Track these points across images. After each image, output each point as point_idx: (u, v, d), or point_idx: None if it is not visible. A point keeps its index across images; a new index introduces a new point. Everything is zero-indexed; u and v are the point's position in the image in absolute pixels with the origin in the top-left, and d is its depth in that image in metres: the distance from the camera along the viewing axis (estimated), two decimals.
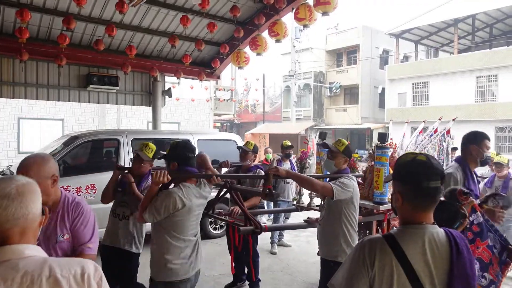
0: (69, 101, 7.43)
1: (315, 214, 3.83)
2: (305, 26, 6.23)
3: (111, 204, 3.39)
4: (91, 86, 7.26)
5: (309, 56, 27.69)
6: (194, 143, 6.07)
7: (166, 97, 8.55)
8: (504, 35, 24.35)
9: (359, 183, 4.49)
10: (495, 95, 20.57)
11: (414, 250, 1.28)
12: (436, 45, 27.07)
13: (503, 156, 5.75)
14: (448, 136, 5.17)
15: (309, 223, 3.70)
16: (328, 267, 2.92)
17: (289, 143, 5.97)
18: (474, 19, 22.76)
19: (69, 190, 4.88)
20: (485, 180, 5.38)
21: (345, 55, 28.60)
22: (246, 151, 4.37)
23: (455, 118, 6.01)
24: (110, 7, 5.89)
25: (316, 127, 27.32)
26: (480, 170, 6.81)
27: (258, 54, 7.41)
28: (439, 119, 5.46)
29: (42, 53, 6.43)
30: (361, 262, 1.31)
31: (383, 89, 26.24)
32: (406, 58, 28.04)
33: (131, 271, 3.31)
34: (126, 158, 5.28)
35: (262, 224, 3.38)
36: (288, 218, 6.51)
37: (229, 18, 6.61)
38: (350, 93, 28.48)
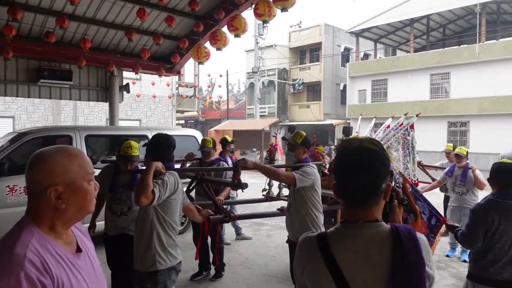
0: (17, 96, 7.01)
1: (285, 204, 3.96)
2: (264, 21, 6.24)
3: None
4: (41, 80, 6.89)
5: (273, 53, 27.87)
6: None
7: (125, 93, 8.30)
8: (456, 35, 25.70)
9: (325, 175, 4.71)
10: (448, 92, 21.70)
11: (345, 253, 1.10)
12: (394, 44, 28.12)
13: (463, 148, 6.12)
14: (412, 130, 5.37)
15: (282, 211, 3.86)
16: None
17: (230, 138, 5.86)
18: (429, 20, 23.85)
19: (16, 190, 4.62)
20: (446, 169, 5.73)
21: (308, 53, 29.06)
22: (208, 152, 4.71)
23: (419, 114, 6.29)
24: None
25: (280, 123, 27.60)
26: (440, 161, 7.22)
27: (218, 49, 7.35)
28: (405, 114, 5.65)
29: None
30: (296, 261, 1.23)
31: (345, 86, 26.94)
32: (366, 56, 28.92)
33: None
34: None
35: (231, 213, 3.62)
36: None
37: (188, 12, 6.50)
38: (313, 90, 28.99)
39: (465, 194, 5.28)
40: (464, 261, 5.17)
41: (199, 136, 6.62)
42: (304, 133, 3.46)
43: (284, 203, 4.04)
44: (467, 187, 5.27)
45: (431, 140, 20.15)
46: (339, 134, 25.30)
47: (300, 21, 29.03)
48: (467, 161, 5.53)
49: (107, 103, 8.19)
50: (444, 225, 3.25)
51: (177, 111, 18.28)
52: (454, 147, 6.42)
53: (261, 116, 27.47)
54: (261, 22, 22.23)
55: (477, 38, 20.37)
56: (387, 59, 26.05)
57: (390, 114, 6.70)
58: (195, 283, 4.51)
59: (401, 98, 23.18)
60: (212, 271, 4.71)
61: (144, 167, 2.72)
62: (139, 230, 2.68)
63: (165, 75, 8.65)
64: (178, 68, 8.59)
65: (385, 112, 22.95)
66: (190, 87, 18.14)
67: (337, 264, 1.09)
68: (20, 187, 4.63)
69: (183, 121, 37.03)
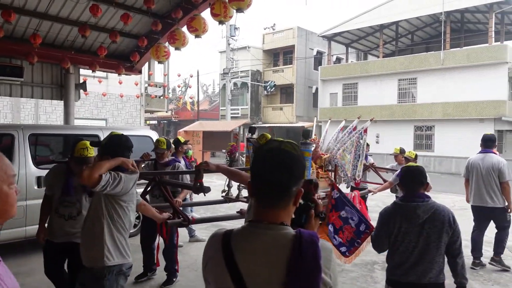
0: None
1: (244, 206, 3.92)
2: (220, 22, 6.21)
3: None
4: None
5: (247, 55, 27.91)
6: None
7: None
8: (423, 42, 26.53)
9: None
10: (414, 97, 22.35)
11: (244, 251, 1.13)
12: (365, 48, 28.74)
13: (412, 151, 6.27)
14: (365, 134, 5.56)
15: (241, 213, 3.81)
16: None
17: (183, 139, 5.81)
18: (398, 26, 24.52)
19: None
20: (397, 171, 5.92)
21: (281, 55, 29.28)
22: (162, 153, 4.59)
23: (373, 119, 6.50)
24: None
25: (254, 125, 27.63)
26: (390, 164, 7.45)
27: (177, 48, 7.27)
28: (358, 118, 5.79)
29: None
30: (204, 256, 1.24)
31: (317, 89, 27.28)
32: (338, 60, 29.42)
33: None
34: (21, 156, 4.86)
35: (189, 217, 3.50)
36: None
37: (145, 10, 6.38)
38: (286, 93, 29.23)
39: None
40: None
41: (154, 136, 6.51)
42: (269, 136, 3.45)
43: (244, 205, 3.99)
44: None
45: (398, 143, 20.42)
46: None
47: (274, 24, 29.24)
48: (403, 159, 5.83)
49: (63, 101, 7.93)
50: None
51: (146, 111, 17.98)
52: (402, 150, 6.66)
53: (234, 117, 27.43)
54: (234, 24, 22.14)
55: (442, 45, 21.10)
56: (357, 63, 26.59)
57: (361, 118, 6.89)
58: (139, 285, 4.41)
59: (370, 102, 23.70)
60: (158, 274, 4.61)
61: None
62: (89, 226, 2.57)
63: (126, 74, 8.48)
64: (139, 67, 8.44)
65: (355, 115, 23.37)
66: (159, 87, 17.87)
67: (235, 261, 1.11)
68: None
69: (155, 121, 36.51)
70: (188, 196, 5.76)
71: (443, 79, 20.90)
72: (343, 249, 3.63)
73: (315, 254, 1.09)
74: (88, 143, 3.25)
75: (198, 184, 2.90)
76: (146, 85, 17.57)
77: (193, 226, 6.19)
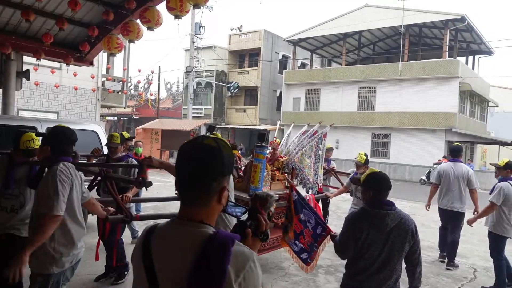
0: None
1: None
2: (176, 16, 5.96)
3: None
4: None
5: (213, 55, 27.63)
6: (42, 131, 5.38)
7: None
8: (384, 52, 27.50)
9: (239, 177, 4.64)
10: (373, 105, 23.06)
11: (159, 245, 1.13)
12: (329, 55, 29.37)
13: (362, 155, 6.33)
14: (324, 139, 5.60)
15: None
16: None
17: (127, 135, 5.53)
18: (360, 36, 25.24)
19: None
20: (350, 175, 6.04)
21: (247, 57, 29.25)
22: (115, 147, 4.43)
23: (332, 124, 6.59)
24: None
25: (216, 125, 27.38)
26: (351, 169, 7.55)
27: (131, 41, 6.96)
28: (319, 123, 5.82)
29: None
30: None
31: (281, 93, 27.49)
32: (303, 65, 29.84)
33: None
34: None
35: (133, 214, 3.47)
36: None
37: None
38: (250, 95, 29.22)
39: None
40: None
41: (100, 131, 6.17)
42: (219, 135, 3.37)
43: None
44: None
45: (357, 149, 21.20)
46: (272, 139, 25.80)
47: (241, 25, 29.18)
48: (366, 168, 5.80)
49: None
50: (329, 236, 3.24)
51: (102, 106, 17.21)
52: (367, 161, 6.59)
53: (197, 117, 27.02)
54: (200, 22, 21.81)
55: (401, 57, 21.93)
56: (320, 69, 27.08)
57: (322, 123, 6.98)
58: (98, 285, 4.21)
59: (332, 108, 24.20)
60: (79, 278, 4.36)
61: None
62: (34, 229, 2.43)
63: (75, 64, 8.02)
64: (90, 58, 8.00)
65: (317, 120, 23.75)
66: (118, 82, 17.19)
67: (151, 256, 1.13)
68: None
69: (115, 118, 35.26)
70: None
71: (400, 89, 21.74)
72: (304, 255, 3.50)
73: (221, 257, 1.05)
74: (33, 134, 3.09)
75: (141, 178, 2.89)
76: (104, 79, 16.84)
77: (137, 226, 5.92)
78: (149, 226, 1.21)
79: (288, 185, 4.33)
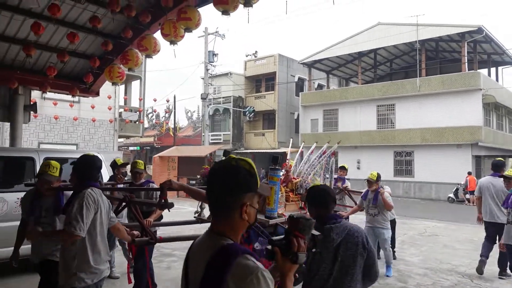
0: None
1: None
2: (172, 42, 6.04)
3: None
4: None
5: (229, 81, 28.05)
6: (39, 161, 5.43)
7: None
8: (401, 69, 27.05)
9: None
10: (393, 123, 22.46)
11: (192, 253, 1.34)
12: (345, 75, 29.18)
13: (373, 173, 6.06)
14: (333, 157, 5.55)
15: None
16: None
17: (121, 161, 5.62)
18: (376, 54, 24.99)
19: None
20: (362, 193, 6.10)
21: (263, 81, 29.49)
22: (140, 173, 4.81)
23: (339, 142, 6.52)
24: None
25: (235, 150, 27.41)
26: (358, 187, 7.33)
27: (130, 69, 7.11)
28: (328, 142, 5.79)
29: None
30: None
31: (299, 115, 27.35)
32: (320, 86, 29.73)
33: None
34: None
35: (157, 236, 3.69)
36: None
37: (92, 28, 6.18)
38: (268, 119, 29.24)
39: (377, 215, 5.71)
40: (387, 276, 5.66)
41: (101, 159, 6.20)
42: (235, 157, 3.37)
43: None
44: (378, 209, 5.69)
45: (378, 168, 20.47)
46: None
47: (256, 51, 29.62)
48: (379, 186, 5.81)
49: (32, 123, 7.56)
50: None
51: (120, 136, 17.60)
52: (379, 177, 6.23)
53: (216, 143, 27.20)
54: (213, 50, 22.27)
55: (418, 72, 21.45)
56: (337, 90, 26.86)
57: (340, 143, 7.05)
58: None
59: (350, 128, 23.76)
60: None
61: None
62: (62, 250, 2.77)
63: (81, 96, 8.23)
64: (95, 88, 8.18)
65: (335, 141, 23.35)
66: (135, 112, 17.61)
67: (188, 260, 1.34)
68: None
69: (137, 147, 36.06)
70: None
71: (420, 105, 21.13)
72: None
73: (221, 267, 1.15)
74: (53, 162, 3.29)
75: (163, 201, 3.06)
76: (121, 109, 17.30)
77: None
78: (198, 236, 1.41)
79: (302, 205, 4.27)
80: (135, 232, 3.38)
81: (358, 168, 22.31)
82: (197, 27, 5.89)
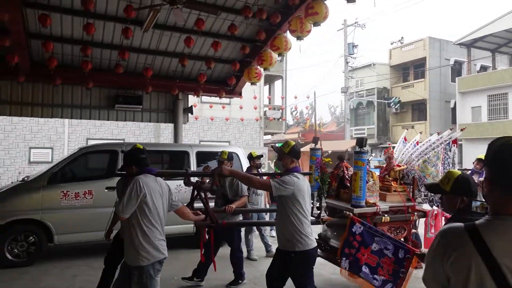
0: (98, 119, 8.33)
1: None
2: (298, 38, 6.25)
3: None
4: (117, 105, 8.07)
5: (371, 72, 26.77)
6: (192, 155, 6.42)
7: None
8: None
9: (346, 187, 4.52)
10: None
11: (500, 241, 1.13)
12: None
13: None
14: (454, 145, 5.03)
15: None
16: (288, 257, 3.15)
17: (257, 153, 5.98)
18: None
19: (68, 195, 5.48)
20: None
21: (411, 69, 27.08)
22: (221, 161, 4.95)
23: (464, 129, 5.75)
24: (117, 33, 6.60)
25: (381, 145, 26.03)
26: None
27: (265, 69, 7.59)
28: (450, 129, 5.23)
29: (72, 78, 7.38)
30: (438, 252, 1.26)
31: (455, 103, 24.12)
32: (484, 68, 25.52)
33: None
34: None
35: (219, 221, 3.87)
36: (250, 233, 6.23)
37: (230, 35, 6.88)
38: (418, 109, 26.71)
39: None
40: None
41: (240, 153, 6.91)
42: (293, 143, 3.44)
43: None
44: None
45: None
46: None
47: (402, 37, 27.39)
48: None
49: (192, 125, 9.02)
50: (414, 256, 2.79)
51: (265, 133, 18.90)
52: None
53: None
54: (352, 42, 21.66)
55: None
56: (506, 70, 22.53)
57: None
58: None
59: None
60: (209, 282, 4.86)
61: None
62: (124, 231, 3.09)
63: (228, 97, 9.18)
64: (238, 90, 9.04)
65: (505, 132, 19.67)
66: (278, 110, 18.63)
67: (490, 251, 1.12)
68: (71, 193, 5.49)
69: (281, 144, 37.87)
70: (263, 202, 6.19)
71: None
72: (389, 286, 3.18)
73: None
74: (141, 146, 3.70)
75: (215, 186, 3.49)
76: (265, 108, 18.54)
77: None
78: (460, 226, 1.22)
79: (409, 197, 3.85)
80: (201, 215, 3.58)
81: None
82: (324, 20, 5.92)
